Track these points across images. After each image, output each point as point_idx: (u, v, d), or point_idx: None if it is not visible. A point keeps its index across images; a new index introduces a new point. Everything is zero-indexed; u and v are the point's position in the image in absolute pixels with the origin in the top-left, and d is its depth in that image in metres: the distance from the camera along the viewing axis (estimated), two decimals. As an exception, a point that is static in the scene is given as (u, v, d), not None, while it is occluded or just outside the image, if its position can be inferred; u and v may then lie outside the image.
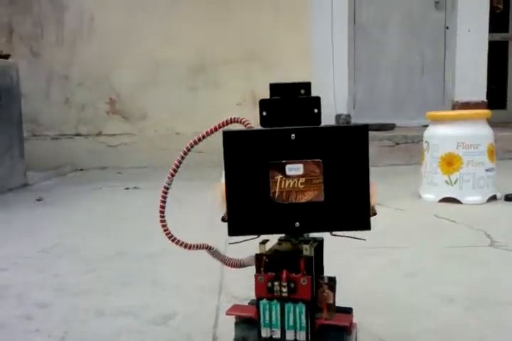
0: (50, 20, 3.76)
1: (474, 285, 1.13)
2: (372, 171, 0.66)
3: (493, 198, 2.14)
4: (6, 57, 3.07)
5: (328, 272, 0.76)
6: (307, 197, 0.67)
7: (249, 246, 0.73)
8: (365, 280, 1.19)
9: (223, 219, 0.73)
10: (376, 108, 4.33)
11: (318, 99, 0.71)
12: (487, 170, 2.12)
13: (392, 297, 1.07)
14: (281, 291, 0.70)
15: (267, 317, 0.72)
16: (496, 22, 4.69)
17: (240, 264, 0.76)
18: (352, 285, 1.11)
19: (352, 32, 4.25)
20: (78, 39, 3.78)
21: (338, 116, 3.83)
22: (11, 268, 1.36)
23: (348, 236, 0.72)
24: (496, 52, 4.80)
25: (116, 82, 3.80)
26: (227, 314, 0.79)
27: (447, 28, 4.30)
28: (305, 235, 0.76)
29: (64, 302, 1.09)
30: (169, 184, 0.72)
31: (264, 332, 0.73)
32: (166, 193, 0.72)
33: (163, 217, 0.72)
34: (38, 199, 2.39)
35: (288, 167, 0.67)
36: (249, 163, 0.68)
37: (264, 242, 0.73)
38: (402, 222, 1.83)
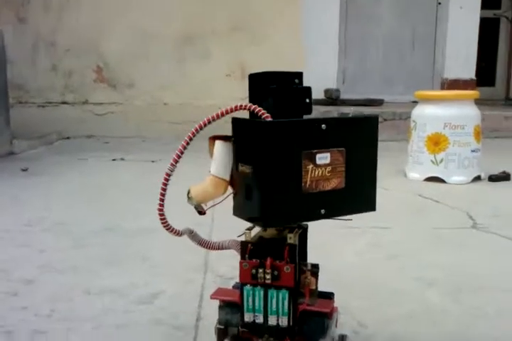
0: (37, -15, 3.67)
1: (455, 269, 1.16)
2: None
3: (478, 178, 2.17)
4: (-9, 22, 3.00)
5: (310, 253, 0.77)
6: (332, 184, 0.70)
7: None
8: (347, 263, 1.21)
9: (199, 212, 0.73)
10: (365, 83, 4.32)
11: (309, 90, 0.73)
12: (473, 151, 2.14)
13: (373, 280, 1.09)
14: (264, 278, 0.72)
15: (251, 303, 0.74)
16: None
17: (218, 246, 0.77)
18: (334, 266, 1.13)
19: (344, 4, 4.20)
20: (66, 5, 3.69)
21: (326, 91, 3.81)
22: (-5, 242, 1.36)
23: (334, 218, 0.74)
24: (487, 29, 4.78)
25: (104, 50, 3.74)
26: (211, 298, 0.80)
27: (439, 3, 4.26)
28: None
29: (50, 279, 1.10)
30: (172, 170, 0.69)
31: (247, 317, 0.75)
32: (167, 180, 0.69)
33: (162, 205, 0.70)
34: (24, 170, 2.38)
35: (318, 156, 0.69)
36: (285, 154, 0.68)
37: (250, 229, 0.74)
38: (387, 202, 1.84)
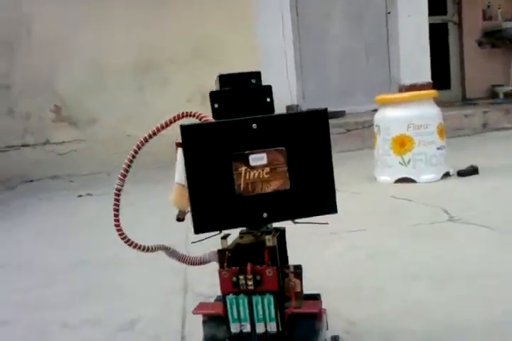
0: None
1: (437, 261, 1.15)
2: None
3: (447, 175, 2.19)
4: None
5: (292, 260, 0.75)
6: (273, 186, 0.66)
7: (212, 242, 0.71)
8: (329, 266, 1.19)
9: (178, 219, 0.71)
10: (325, 97, 4.36)
11: (269, 88, 0.71)
12: (438, 149, 2.16)
13: (357, 280, 1.07)
14: (246, 284, 0.69)
15: (235, 312, 0.71)
16: (435, 5, 4.79)
17: (200, 261, 0.74)
18: (316, 271, 1.10)
19: (296, 23, 4.26)
20: (16, 46, 3.65)
21: (288, 108, 3.84)
22: (-35, 287, 1.30)
23: (310, 223, 0.71)
24: (436, 35, 4.91)
25: (59, 88, 3.70)
26: (193, 313, 0.77)
27: (389, 13, 4.37)
28: (268, 226, 0.75)
29: (25, 317, 1.05)
30: (121, 185, 0.69)
31: (234, 328, 0.71)
32: (118, 195, 0.69)
33: (117, 220, 0.69)
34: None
35: (251, 157, 0.65)
36: (211, 157, 0.66)
37: (225, 237, 0.72)
38: (361, 206, 1.84)
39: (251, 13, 3.78)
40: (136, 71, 3.73)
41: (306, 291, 0.73)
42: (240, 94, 0.70)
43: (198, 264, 0.74)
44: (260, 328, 0.70)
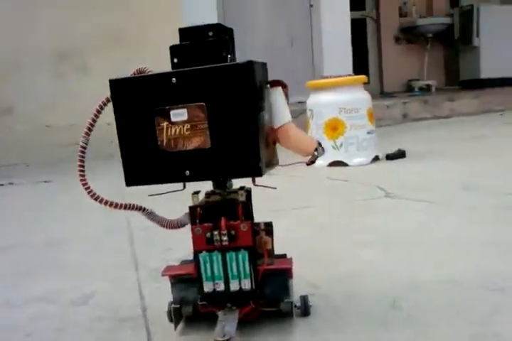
0: None
1: (383, 231, 1.18)
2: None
3: (376, 159, 2.26)
4: None
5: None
6: (194, 143, 0.64)
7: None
8: (281, 239, 1.18)
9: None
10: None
11: (226, 41, 0.68)
12: (368, 133, 2.23)
13: (311, 249, 1.08)
14: (221, 240, 0.67)
15: (209, 270, 0.69)
16: (355, 0, 4.93)
17: (178, 224, 0.71)
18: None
19: (221, 15, 4.24)
20: None
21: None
22: None
23: (262, 186, 0.71)
24: (355, 30, 5.06)
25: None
26: (162, 275, 0.74)
27: (311, 5, 4.44)
28: (231, 186, 0.73)
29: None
30: (85, 143, 0.67)
31: (207, 287, 0.70)
32: (83, 152, 0.66)
33: (83, 175, 0.66)
34: None
35: (172, 113, 0.64)
36: (135, 111, 0.65)
37: (196, 193, 0.70)
38: (299, 186, 1.86)
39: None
40: (56, 57, 3.57)
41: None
42: (197, 47, 0.67)
43: (176, 227, 0.71)
44: (234, 286, 0.69)
